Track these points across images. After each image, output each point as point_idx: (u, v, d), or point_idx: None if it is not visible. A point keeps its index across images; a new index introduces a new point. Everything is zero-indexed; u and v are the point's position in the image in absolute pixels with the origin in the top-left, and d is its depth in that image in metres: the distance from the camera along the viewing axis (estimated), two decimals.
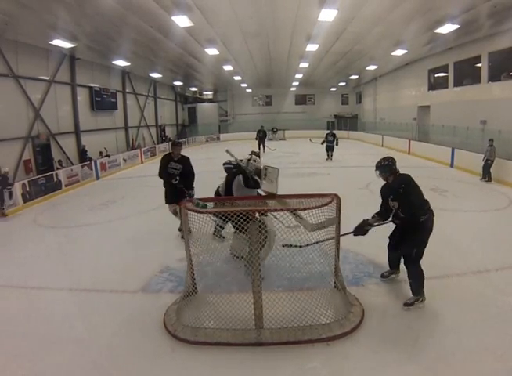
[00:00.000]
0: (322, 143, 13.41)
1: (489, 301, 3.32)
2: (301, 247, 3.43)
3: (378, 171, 3.48)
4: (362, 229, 3.55)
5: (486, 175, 8.88)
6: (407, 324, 3.04)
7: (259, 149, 15.86)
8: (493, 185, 8.65)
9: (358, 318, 3.08)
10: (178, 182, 5.11)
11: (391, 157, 3.53)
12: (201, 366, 2.68)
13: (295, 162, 12.91)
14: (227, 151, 4.31)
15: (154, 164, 14.59)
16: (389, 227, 5.57)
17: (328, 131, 13.51)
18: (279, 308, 3.08)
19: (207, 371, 2.64)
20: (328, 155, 13.45)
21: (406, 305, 3.28)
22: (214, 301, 3.18)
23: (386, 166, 3.45)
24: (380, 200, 3.57)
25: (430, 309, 3.25)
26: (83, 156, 12.71)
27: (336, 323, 3.00)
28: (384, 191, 3.48)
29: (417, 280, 3.34)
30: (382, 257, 4.40)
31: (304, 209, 3.05)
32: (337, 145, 13.23)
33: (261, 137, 16.99)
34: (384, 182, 3.53)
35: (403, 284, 3.74)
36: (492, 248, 4.61)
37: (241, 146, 19.84)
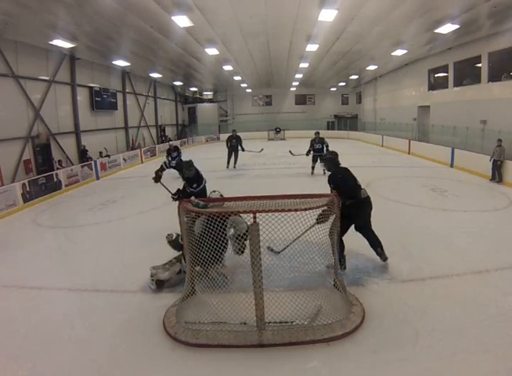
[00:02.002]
0: (307, 154, 10.19)
1: (489, 301, 3.32)
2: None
3: (323, 163, 4.20)
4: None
5: (497, 176, 8.74)
6: (407, 324, 3.04)
7: (228, 162, 12.09)
8: (493, 185, 8.65)
9: (359, 318, 3.08)
10: None
11: (335, 152, 4.21)
12: (202, 366, 2.68)
13: (295, 162, 12.87)
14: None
15: (154, 164, 14.59)
16: (389, 228, 5.58)
17: (314, 137, 10.29)
18: (280, 309, 3.08)
19: (208, 372, 2.64)
20: (314, 168, 10.19)
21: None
22: (215, 302, 3.17)
23: (330, 159, 4.06)
24: None
25: (431, 309, 3.24)
26: (83, 156, 12.70)
27: (337, 323, 3.00)
28: (329, 180, 4.03)
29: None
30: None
31: (305, 209, 3.04)
32: None
33: (234, 146, 11.85)
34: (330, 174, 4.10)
35: (404, 285, 3.75)
36: (492, 248, 4.61)
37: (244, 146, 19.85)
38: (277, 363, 2.67)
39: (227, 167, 12.13)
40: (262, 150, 13.15)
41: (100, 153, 13.57)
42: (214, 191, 4.04)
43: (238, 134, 12.10)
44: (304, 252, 3.47)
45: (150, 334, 3.05)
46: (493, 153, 8.82)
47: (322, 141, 10.13)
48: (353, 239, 4.79)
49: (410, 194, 7.73)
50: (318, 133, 10.44)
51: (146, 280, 4.05)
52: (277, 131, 24.52)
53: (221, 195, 3.88)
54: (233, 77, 20.17)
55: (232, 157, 12.07)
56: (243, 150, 11.87)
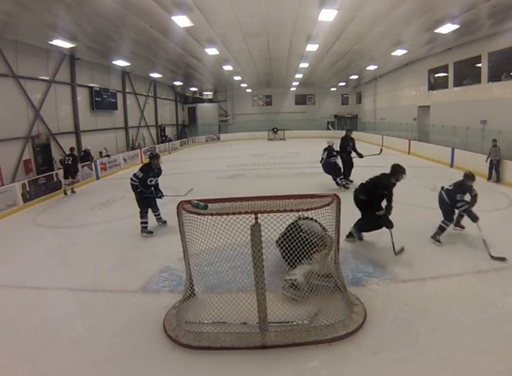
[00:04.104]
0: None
1: (489, 302, 3.32)
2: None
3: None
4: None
5: (495, 176, 8.79)
6: (407, 324, 3.04)
7: (348, 175, 8.22)
8: (493, 185, 8.66)
9: (361, 318, 3.08)
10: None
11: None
12: (203, 368, 2.68)
13: (295, 162, 12.90)
14: None
15: None
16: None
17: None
18: (281, 309, 3.07)
19: (209, 373, 2.64)
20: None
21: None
22: (216, 304, 3.16)
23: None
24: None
25: (431, 309, 3.25)
26: (86, 158, 12.61)
27: (340, 323, 3.00)
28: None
29: None
30: (382, 257, 4.42)
31: (306, 210, 3.04)
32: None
33: (349, 152, 8.25)
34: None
35: (404, 285, 3.75)
36: (492, 248, 4.60)
37: (243, 146, 19.83)
38: (279, 364, 2.67)
39: (345, 186, 7.88)
40: (381, 150, 8.94)
41: (100, 153, 13.57)
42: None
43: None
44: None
45: (151, 335, 3.05)
46: (489, 154, 8.90)
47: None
48: (353, 239, 4.80)
49: (410, 194, 7.71)
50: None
51: (146, 280, 4.06)
52: (274, 131, 24.51)
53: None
54: (233, 77, 20.17)
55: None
56: (360, 156, 8.11)
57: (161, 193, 5.90)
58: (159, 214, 6.09)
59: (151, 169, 5.71)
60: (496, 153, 8.74)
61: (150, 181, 5.67)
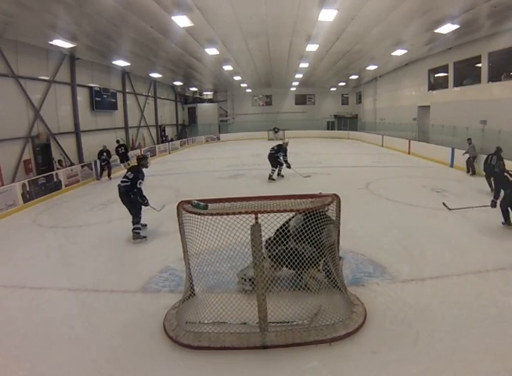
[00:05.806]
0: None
1: (489, 302, 3.32)
2: None
3: None
4: None
5: (471, 170, 9.87)
6: (407, 324, 3.04)
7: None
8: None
9: (361, 318, 3.09)
10: None
11: None
12: (203, 368, 2.68)
13: (295, 162, 12.85)
14: None
15: (154, 165, 14.57)
16: (389, 228, 5.57)
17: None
18: (281, 308, 3.07)
19: (209, 373, 2.64)
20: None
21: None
22: (216, 304, 3.16)
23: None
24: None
25: (431, 309, 3.25)
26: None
27: (340, 323, 3.00)
28: None
29: None
30: (382, 257, 4.42)
31: (306, 210, 3.04)
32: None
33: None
34: None
35: (404, 285, 3.75)
36: (492, 248, 4.61)
37: (243, 146, 19.82)
38: (279, 364, 2.67)
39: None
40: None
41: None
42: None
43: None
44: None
45: (151, 335, 3.05)
46: (468, 151, 9.85)
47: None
48: (353, 239, 4.81)
49: (410, 194, 7.73)
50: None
51: (146, 280, 4.05)
52: (275, 131, 24.53)
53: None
54: (233, 77, 20.17)
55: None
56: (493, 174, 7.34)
57: (147, 200, 5.71)
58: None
59: (139, 171, 5.69)
60: (472, 150, 9.75)
61: (139, 183, 5.54)
